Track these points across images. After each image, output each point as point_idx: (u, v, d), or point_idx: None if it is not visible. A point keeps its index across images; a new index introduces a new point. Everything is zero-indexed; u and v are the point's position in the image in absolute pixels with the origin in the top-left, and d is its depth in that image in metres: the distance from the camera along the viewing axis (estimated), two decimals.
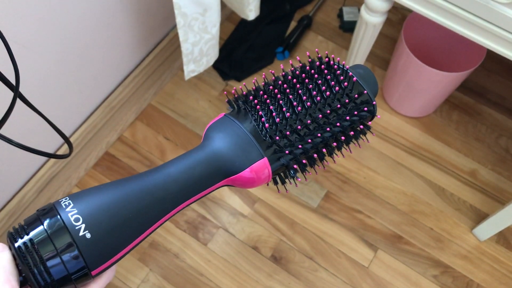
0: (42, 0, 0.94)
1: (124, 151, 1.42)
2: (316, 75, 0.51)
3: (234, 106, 0.50)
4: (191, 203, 0.47)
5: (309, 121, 0.48)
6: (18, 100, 0.45)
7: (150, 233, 0.45)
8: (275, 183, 0.50)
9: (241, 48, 1.54)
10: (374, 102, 0.52)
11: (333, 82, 0.50)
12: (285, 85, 0.50)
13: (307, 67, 0.52)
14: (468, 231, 1.35)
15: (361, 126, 0.51)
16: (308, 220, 1.34)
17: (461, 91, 1.53)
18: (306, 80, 0.50)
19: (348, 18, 1.61)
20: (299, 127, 0.48)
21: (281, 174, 0.50)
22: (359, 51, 1.30)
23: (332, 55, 0.53)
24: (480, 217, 1.36)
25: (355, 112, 0.50)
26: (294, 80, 0.50)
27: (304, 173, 0.49)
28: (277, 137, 0.47)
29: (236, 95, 0.51)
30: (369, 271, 1.29)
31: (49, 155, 0.51)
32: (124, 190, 0.44)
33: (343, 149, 0.52)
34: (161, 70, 1.45)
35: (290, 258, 1.30)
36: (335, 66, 0.52)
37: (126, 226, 0.42)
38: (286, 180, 0.50)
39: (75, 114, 1.25)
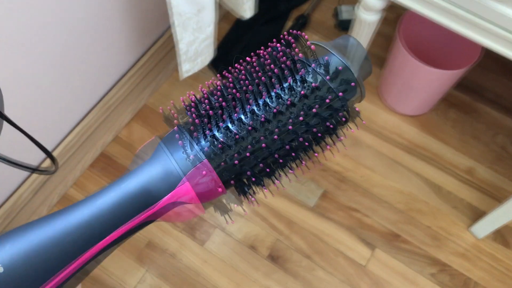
0: (36, 1, 0.93)
1: (119, 151, 1.41)
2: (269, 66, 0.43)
3: (170, 124, 0.44)
4: (110, 246, 0.42)
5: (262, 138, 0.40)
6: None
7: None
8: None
9: (237, 47, 1.54)
10: (352, 85, 0.41)
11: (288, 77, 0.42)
12: (219, 93, 0.43)
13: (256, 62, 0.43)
14: (465, 229, 1.34)
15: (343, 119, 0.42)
16: (305, 219, 1.34)
17: (457, 89, 1.53)
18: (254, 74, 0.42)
19: (344, 16, 1.61)
20: (249, 153, 0.40)
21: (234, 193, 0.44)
22: None
23: (301, 33, 0.43)
24: (477, 215, 1.36)
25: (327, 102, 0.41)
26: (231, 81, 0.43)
27: (255, 193, 0.43)
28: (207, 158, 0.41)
29: (174, 111, 0.45)
30: (366, 270, 1.29)
31: (33, 170, 0.49)
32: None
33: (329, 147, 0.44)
34: (156, 70, 1.45)
35: (287, 257, 1.30)
36: (296, 50, 0.43)
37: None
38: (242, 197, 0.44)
39: (70, 115, 1.25)
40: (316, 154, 0.43)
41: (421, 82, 1.32)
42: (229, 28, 1.61)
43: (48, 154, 0.52)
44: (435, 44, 1.44)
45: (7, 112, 1.04)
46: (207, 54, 1.29)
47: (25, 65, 1.00)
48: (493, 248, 1.32)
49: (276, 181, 0.43)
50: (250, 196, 0.43)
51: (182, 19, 1.10)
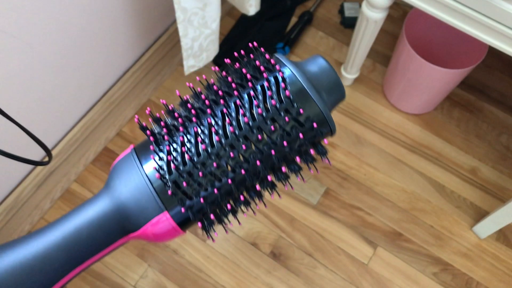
0: None
1: (123, 146, 1.41)
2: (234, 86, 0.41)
3: (146, 135, 0.42)
4: (90, 265, 0.40)
5: (227, 163, 0.39)
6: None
7: None
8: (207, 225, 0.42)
9: (242, 43, 1.53)
10: (326, 140, 0.41)
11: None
12: (193, 108, 0.41)
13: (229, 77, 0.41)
14: (468, 229, 1.34)
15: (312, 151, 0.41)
16: (308, 217, 1.34)
17: (462, 88, 1.52)
18: (222, 101, 0.40)
19: (349, 14, 1.60)
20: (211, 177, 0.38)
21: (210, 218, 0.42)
22: (360, 47, 1.29)
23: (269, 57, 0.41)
24: (480, 214, 1.35)
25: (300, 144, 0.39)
26: (205, 96, 0.42)
27: (235, 216, 0.41)
28: (185, 183, 0.39)
29: (151, 119, 0.42)
30: (368, 268, 1.29)
31: (29, 162, 0.48)
32: None
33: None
34: (160, 65, 1.45)
35: (290, 254, 1.30)
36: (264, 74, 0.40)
37: None
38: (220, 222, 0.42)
39: (74, 109, 1.25)
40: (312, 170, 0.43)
41: (426, 81, 1.31)
42: (234, 23, 1.60)
43: (41, 144, 0.51)
44: (440, 43, 1.43)
45: (10, 107, 1.04)
46: (212, 49, 1.29)
47: (29, 61, 1.00)
48: (495, 248, 1.32)
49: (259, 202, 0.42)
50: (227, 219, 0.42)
51: (187, 14, 1.10)
